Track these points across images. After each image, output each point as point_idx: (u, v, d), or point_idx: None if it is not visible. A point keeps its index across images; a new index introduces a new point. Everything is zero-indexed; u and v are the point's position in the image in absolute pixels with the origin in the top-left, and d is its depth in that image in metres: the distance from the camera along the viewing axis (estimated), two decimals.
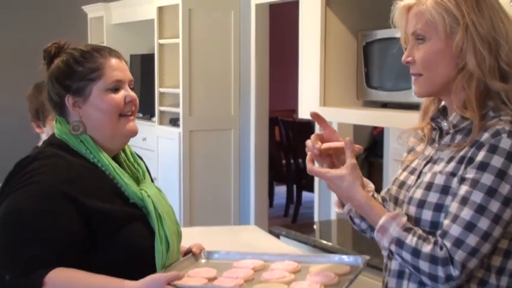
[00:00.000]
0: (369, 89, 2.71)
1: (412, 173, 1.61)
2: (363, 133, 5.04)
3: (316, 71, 2.77)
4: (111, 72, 1.73)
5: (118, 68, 1.74)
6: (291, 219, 6.59)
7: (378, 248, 1.56)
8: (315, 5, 2.77)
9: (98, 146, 1.73)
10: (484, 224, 1.41)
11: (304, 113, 2.95)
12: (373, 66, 2.70)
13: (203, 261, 1.80)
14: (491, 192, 1.42)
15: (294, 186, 6.72)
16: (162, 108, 5.24)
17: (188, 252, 1.84)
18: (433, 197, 1.49)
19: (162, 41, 5.15)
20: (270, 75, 5.15)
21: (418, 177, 1.57)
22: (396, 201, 1.60)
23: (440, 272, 1.43)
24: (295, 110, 7.97)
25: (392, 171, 3.02)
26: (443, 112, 1.60)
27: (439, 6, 1.49)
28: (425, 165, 1.58)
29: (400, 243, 1.47)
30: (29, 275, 1.57)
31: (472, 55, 1.47)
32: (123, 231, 1.66)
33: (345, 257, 1.74)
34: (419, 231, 1.47)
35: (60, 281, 1.58)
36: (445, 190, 1.48)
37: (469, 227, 1.42)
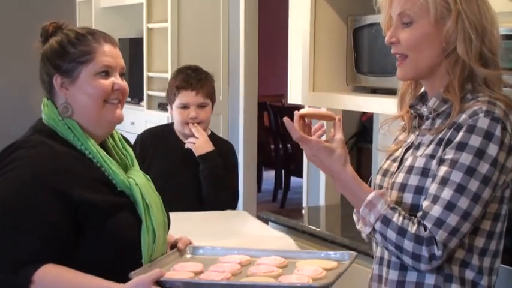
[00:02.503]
0: (359, 75, 2.69)
1: (394, 160, 1.62)
2: (352, 119, 5.04)
3: (306, 57, 2.74)
4: (102, 57, 1.71)
5: (110, 54, 1.72)
6: (279, 204, 6.58)
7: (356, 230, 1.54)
8: None
9: (85, 133, 1.71)
10: (463, 203, 1.43)
11: (293, 98, 2.96)
12: (362, 52, 2.68)
13: (188, 256, 1.79)
14: (470, 171, 1.42)
15: (283, 171, 6.72)
16: (151, 93, 5.20)
17: (175, 244, 1.82)
18: (413, 180, 1.49)
19: (150, 25, 5.11)
20: (258, 60, 5.13)
21: (400, 163, 1.58)
22: (380, 189, 1.59)
23: (424, 252, 1.43)
24: (283, 95, 8.03)
25: (381, 157, 2.95)
26: (421, 99, 1.60)
27: None
28: (406, 151, 1.59)
29: (386, 221, 1.47)
30: (18, 272, 1.55)
31: (462, 41, 1.48)
32: (110, 221, 1.64)
33: (331, 253, 1.72)
34: (403, 212, 1.48)
35: (48, 279, 1.56)
36: (424, 172, 1.49)
37: (449, 206, 1.42)
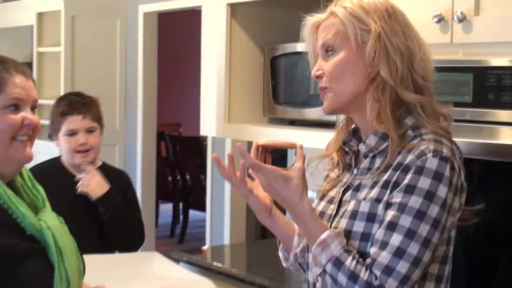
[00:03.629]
0: (276, 105, 2.65)
1: (330, 202, 1.57)
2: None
3: (221, 86, 2.68)
4: (12, 89, 1.59)
5: (21, 86, 1.60)
6: (177, 239, 6.45)
7: (274, 270, 1.47)
8: (219, 16, 2.68)
9: None
10: (414, 249, 1.38)
11: (207, 130, 2.85)
12: (280, 82, 2.65)
13: None
14: (420, 215, 1.39)
15: (181, 205, 6.60)
16: (41, 121, 4.97)
17: None
18: (358, 226, 1.45)
19: (41, 49, 4.95)
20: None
21: (339, 206, 1.53)
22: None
23: None
24: (181, 124, 7.95)
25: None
26: (354, 135, 1.58)
27: (350, 15, 1.47)
28: (344, 192, 1.54)
29: (339, 263, 1.41)
30: None
31: (385, 63, 1.45)
32: (20, 269, 1.53)
33: None
34: (357, 256, 1.42)
35: None
36: (370, 218, 1.44)
37: (399, 253, 1.38)
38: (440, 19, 1.83)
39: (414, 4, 1.89)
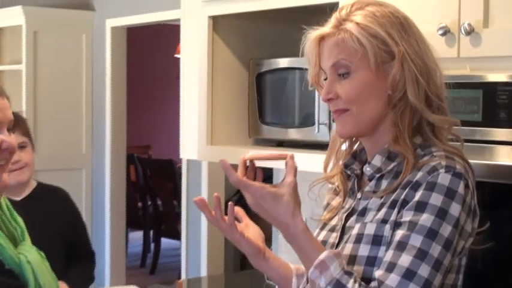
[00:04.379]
0: (263, 125, 2.61)
1: (332, 230, 1.53)
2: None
3: (203, 106, 2.62)
4: None
5: None
6: (148, 270, 6.35)
7: None
8: (201, 30, 2.63)
9: None
10: (425, 271, 1.34)
11: (187, 153, 2.80)
12: (267, 100, 2.61)
13: None
14: (431, 234, 1.36)
15: (151, 232, 6.52)
16: None
17: None
18: (364, 250, 1.42)
19: (1, 67, 4.87)
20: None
21: (342, 233, 1.50)
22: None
23: None
24: (150, 146, 7.86)
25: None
26: (356, 157, 1.55)
27: (366, 33, 1.42)
28: (347, 218, 1.51)
29: (339, 286, 1.36)
30: None
31: (411, 85, 1.43)
32: None
33: None
34: (359, 279, 1.38)
35: None
36: (376, 240, 1.41)
37: (408, 275, 1.34)
38: (446, 31, 1.79)
39: (417, 15, 1.81)
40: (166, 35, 6.71)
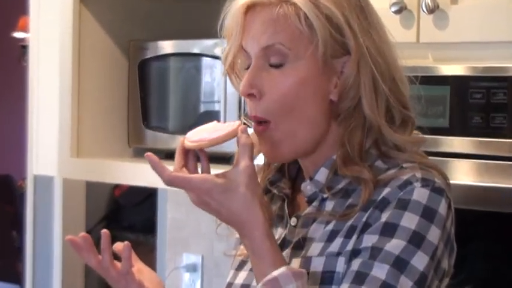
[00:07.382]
0: (147, 131, 2.58)
1: None
2: (101, 193, 4.85)
3: (65, 103, 2.56)
4: None
5: None
6: None
7: None
8: (62, 1, 2.58)
9: None
10: None
11: (42, 167, 2.86)
12: (153, 96, 2.57)
13: None
14: (401, 265, 1.33)
15: None
16: None
17: None
18: None
19: None
20: None
21: None
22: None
23: None
24: None
25: (172, 254, 2.87)
26: (281, 172, 1.52)
27: (318, 11, 1.36)
28: None
29: None
30: None
31: (369, 97, 1.39)
32: None
33: None
34: None
35: None
36: (326, 279, 1.38)
37: None
38: (402, 8, 1.80)
39: None
40: None
